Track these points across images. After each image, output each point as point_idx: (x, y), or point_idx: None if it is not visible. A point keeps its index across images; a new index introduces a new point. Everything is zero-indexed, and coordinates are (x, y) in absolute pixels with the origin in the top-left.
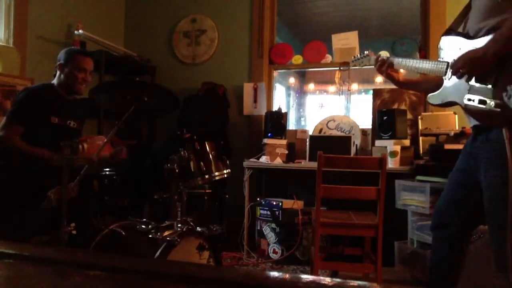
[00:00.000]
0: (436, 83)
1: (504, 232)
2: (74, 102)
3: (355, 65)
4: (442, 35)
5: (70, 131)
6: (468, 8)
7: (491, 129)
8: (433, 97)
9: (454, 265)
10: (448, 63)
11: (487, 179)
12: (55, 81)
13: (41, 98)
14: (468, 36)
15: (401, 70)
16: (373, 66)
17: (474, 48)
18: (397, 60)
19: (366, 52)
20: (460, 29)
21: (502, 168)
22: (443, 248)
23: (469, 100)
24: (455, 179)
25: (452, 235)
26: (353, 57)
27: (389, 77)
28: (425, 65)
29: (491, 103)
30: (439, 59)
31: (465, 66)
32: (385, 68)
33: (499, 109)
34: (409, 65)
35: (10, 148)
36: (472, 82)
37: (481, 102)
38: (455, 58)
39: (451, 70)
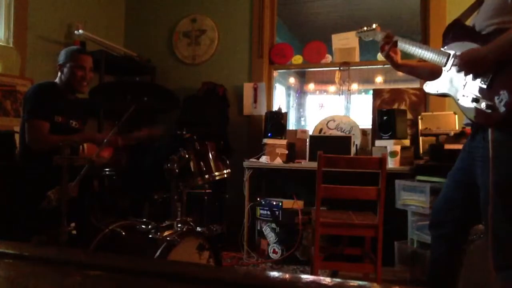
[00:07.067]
0: (430, 71)
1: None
2: (75, 102)
3: (359, 37)
4: (448, 26)
5: (72, 131)
6: (479, 2)
7: (488, 128)
8: (429, 86)
9: (452, 263)
10: (449, 54)
11: (483, 178)
12: (57, 81)
13: (47, 95)
14: (474, 31)
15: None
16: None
17: (477, 47)
18: (400, 42)
19: (374, 26)
20: (468, 23)
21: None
22: (440, 246)
23: (463, 96)
24: (453, 177)
25: (448, 234)
26: (359, 29)
27: (388, 57)
28: (427, 53)
29: (482, 103)
30: (441, 49)
31: (466, 64)
32: (389, 47)
33: (490, 111)
34: (412, 50)
35: (45, 148)
36: (469, 78)
37: (474, 100)
38: (458, 53)
39: (452, 63)
